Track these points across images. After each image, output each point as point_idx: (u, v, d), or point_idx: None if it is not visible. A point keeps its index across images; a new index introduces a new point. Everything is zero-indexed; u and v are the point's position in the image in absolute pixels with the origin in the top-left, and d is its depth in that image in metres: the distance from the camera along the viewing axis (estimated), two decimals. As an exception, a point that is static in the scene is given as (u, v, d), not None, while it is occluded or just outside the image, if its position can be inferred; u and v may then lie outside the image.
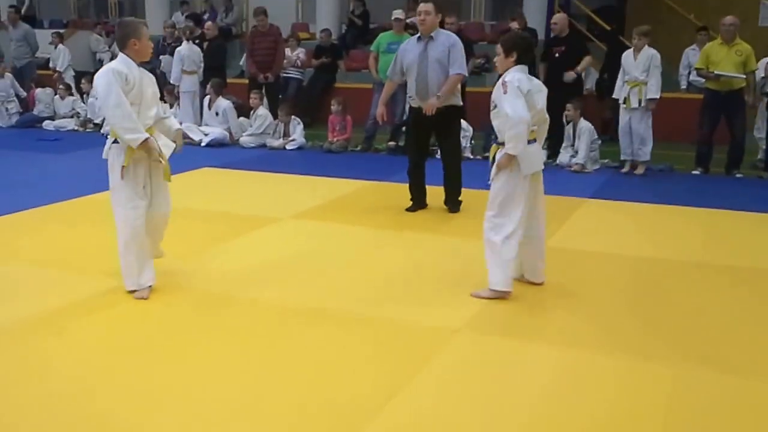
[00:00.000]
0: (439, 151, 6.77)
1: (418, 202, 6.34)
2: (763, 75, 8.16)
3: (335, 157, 9.25)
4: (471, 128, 9.05)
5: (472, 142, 9.13)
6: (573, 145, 8.40)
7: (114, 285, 4.25)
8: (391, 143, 9.46)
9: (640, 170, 8.07)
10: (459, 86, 6.06)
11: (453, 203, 6.29)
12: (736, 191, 7.35)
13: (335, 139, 9.56)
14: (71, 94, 11.82)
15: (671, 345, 3.60)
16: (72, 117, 11.60)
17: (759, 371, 3.33)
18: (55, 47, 12.76)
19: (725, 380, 3.23)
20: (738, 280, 4.60)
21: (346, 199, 6.85)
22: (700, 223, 6.02)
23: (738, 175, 8.02)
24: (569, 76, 8.52)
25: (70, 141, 10.49)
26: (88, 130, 11.31)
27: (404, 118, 9.43)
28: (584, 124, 8.31)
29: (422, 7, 5.94)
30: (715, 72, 7.83)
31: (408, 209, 6.30)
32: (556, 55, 8.78)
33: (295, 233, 5.67)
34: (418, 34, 6.08)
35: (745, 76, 7.78)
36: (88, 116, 11.48)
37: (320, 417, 2.88)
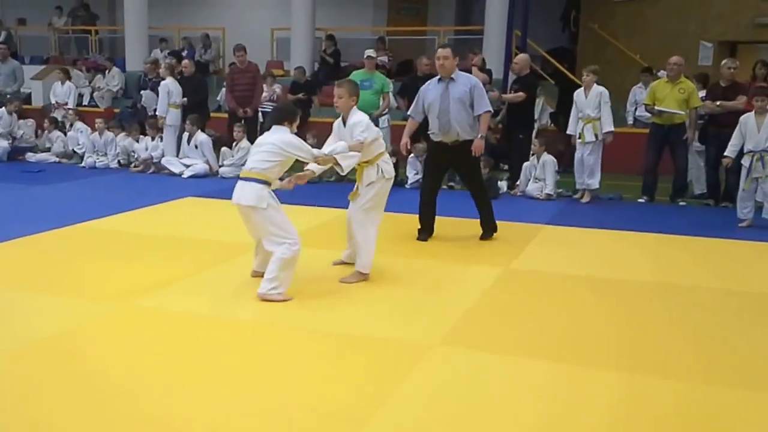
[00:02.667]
0: (465, 186, 7.06)
1: (429, 230, 6.59)
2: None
3: (310, 186, 9.37)
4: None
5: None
6: (539, 178, 8.80)
7: (110, 307, 4.43)
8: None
9: (586, 198, 8.49)
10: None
11: (487, 231, 6.55)
12: (680, 218, 7.77)
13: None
14: (57, 128, 11.87)
15: (629, 356, 3.91)
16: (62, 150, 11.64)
17: (701, 377, 3.63)
18: (62, 84, 12.73)
19: (670, 385, 3.53)
20: (681, 298, 4.93)
21: (325, 226, 7.09)
22: (648, 247, 6.39)
23: (682, 203, 8.45)
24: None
25: (53, 172, 10.57)
26: (72, 162, 11.38)
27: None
28: (547, 158, 8.73)
29: (441, 52, 6.36)
30: (657, 108, 8.30)
31: (419, 238, 6.54)
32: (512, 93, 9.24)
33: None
34: (439, 76, 6.41)
35: (684, 113, 8.25)
36: (70, 149, 11.54)
37: (306, 427, 3.05)
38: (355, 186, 5.32)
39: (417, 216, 6.60)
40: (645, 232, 6.89)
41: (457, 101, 6.24)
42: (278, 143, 4.76)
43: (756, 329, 4.34)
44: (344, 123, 5.24)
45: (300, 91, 12.01)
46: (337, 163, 4.99)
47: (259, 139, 4.99)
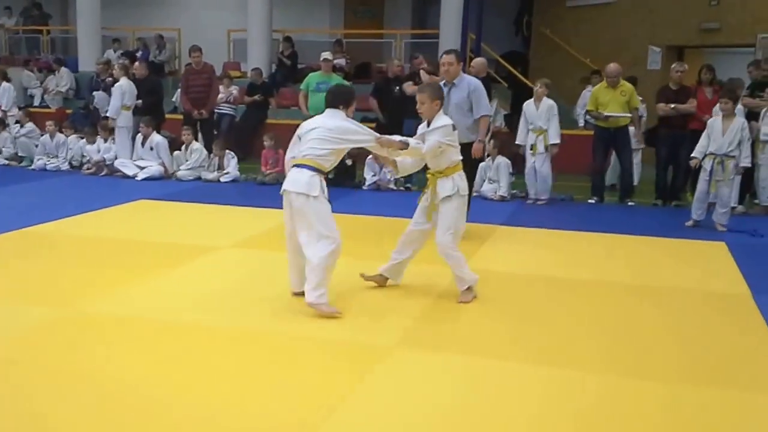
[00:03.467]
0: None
1: None
2: None
3: (269, 188, 9.38)
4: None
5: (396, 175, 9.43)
6: (493, 179, 8.85)
7: (57, 312, 4.31)
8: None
9: (542, 201, 8.59)
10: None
11: None
12: (629, 217, 7.91)
13: (268, 172, 9.73)
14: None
15: (584, 355, 3.94)
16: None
17: (654, 374, 3.69)
18: (-1, 84, 12.34)
19: (623, 382, 3.58)
20: (634, 295, 5.01)
21: (281, 229, 6.99)
22: (600, 247, 6.47)
23: (630, 203, 8.60)
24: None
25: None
26: (21, 165, 11.08)
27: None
28: (502, 160, 8.81)
29: (445, 58, 6.44)
30: (605, 114, 8.43)
31: None
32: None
33: (235, 261, 5.81)
34: (444, 81, 6.43)
35: (629, 115, 8.39)
36: (19, 152, 11.24)
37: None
38: (427, 198, 4.86)
39: (377, 218, 6.57)
40: (597, 232, 6.98)
41: (455, 106, 6.31)
42: (334, 130, 4.44)
43: (717, 327, 4.41)
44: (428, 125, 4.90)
45: (257, 93, 11.90)
46: (403, 147, 4.60)
47: (311, 122, 4.62)
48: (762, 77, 8.58)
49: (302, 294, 4.48)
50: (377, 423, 3.14)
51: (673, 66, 8.83)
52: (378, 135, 4.56)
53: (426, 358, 3.86)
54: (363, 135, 4.52)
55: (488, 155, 8.87)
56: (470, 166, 6.55)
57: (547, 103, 8.52)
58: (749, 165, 7.10)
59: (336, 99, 4.59)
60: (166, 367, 3.67)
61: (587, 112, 9.02)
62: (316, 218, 4.39)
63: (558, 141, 8.48)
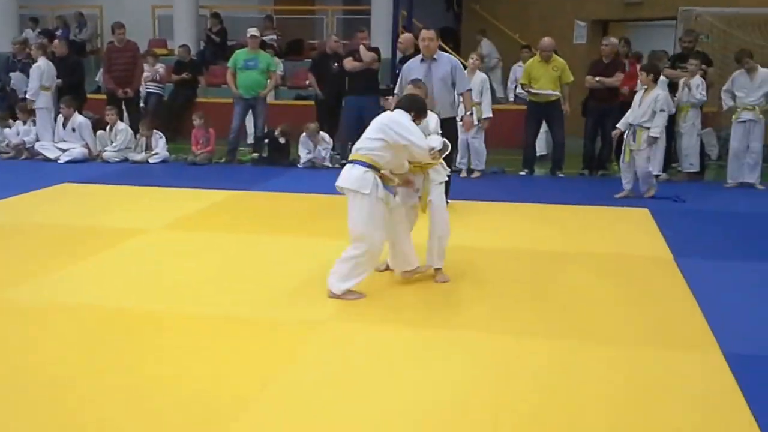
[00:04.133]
0: None
1: None
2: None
3: (200, 169, 9.23)
4: (332, 141, 9.37)
5: (333, 152, 9.42)
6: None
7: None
8: (255, 154, 9.58)
9: (476, 174, 8.68)
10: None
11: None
12: (559, 188, 8.08)
13: (199, 152, 9.53)
14: None
15: (513, 321, 4.02)
16: None
17: (590, 336, 3.79)
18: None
19: (562, 344, 3.67)
20: (564, 262, 5.12)
21: (213, 209, 6.92)
22: (532, 216, 6.59)
23: (560, 175, 8.79)
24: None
25: None
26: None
27: (265, 131, 9.62)
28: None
29: (426, 34, 6.52)
30: (533, 90, 8.58)
31: None
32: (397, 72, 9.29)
33: (165, 243, 5.69)
34: (421, 56, 6.54)
35: (557, 92, 8.53)
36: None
37: (196, 411, 2.96)
38: (416, 196, 4.68)
39: (314, 195, 6.54)
40: (529, 203, 7.11)
41: (440, 81, 6.39)
42: (386, 121, 4.27)
43: (644, 290, 4.52)
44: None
45: (184, 71, 11.61)
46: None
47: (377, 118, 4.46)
48: (684, 49, 8.84)
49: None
50: (308, 393, 3.14)
51: (602, 40, 9.05)
52: (434, 146, 4.34)
53: (361, 330, 3.88)
54: (417, 139, 4.25)
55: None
56: (453, 141, 6.65)
57: (480, 76, 8.58)
58: (657, 135, 7.28)
59: (411, 105, 4.44)
60: (98, 352, 3.58)
61: (521, 86, 9.11)
62: (361, 217, 4.24)
63: (490, 115, 8.57)
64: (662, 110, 7.26)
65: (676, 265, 5.00)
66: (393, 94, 6.84)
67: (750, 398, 3.05)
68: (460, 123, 7.17)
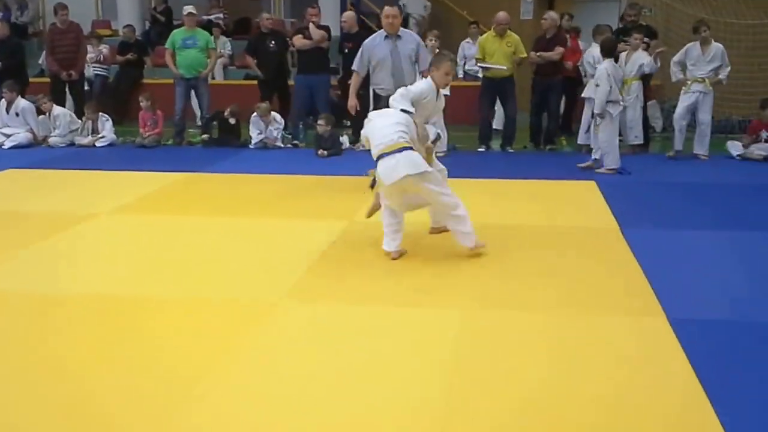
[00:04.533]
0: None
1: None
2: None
3: (149, 151, 9.05)
4: (283, 120, 9.28)
5: (284, 132, 9.33)
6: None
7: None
8: (205, 136, 9.43)
9: (440, 155, 8.71)
10: None
11: None
12: (509, 163, 8.17)
13: (147, 134, 9.34)
14: None
15: (461, 294, 4.07)
16: None
17: (538, 306, 3.86)
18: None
19: (511, 315, 3.73)
20: (515, 235, 5.16)
21: (164, 191, 6.80)
22: (483, 191, 6.60)
23: (510, 150, 8.87)
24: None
25: None
26: None
27: (212, 112, 9.46)
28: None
29: (389, 11, 6.49)
30: (484, 65, 8.62)
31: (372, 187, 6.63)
32: (346, 50, 9.28)
33: (116, 227, 5.58)
34: (384, 33, 6.50)
35: (508, 67, 8.57)
36: None
37: (144, 395, 2.92)
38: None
39: (267, 176, 6.49)
40: (480, 179, 7.16)
41: (407, 57, 6.45)
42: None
43: (591, 260, 4.59)
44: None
45: (130, 51, 11.36)
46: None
47: None
48: (628, 23, 8.97)
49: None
50: (257, 374, 3.13)
51: (543, 16, 9.12)
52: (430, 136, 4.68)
53: (314, 309, 3.86)
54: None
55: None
56: None
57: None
58: (598, 111, 7.41)
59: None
60: (45, 337, 3.51)
61: (476, 61, 9.12)
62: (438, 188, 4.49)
63: (447, 93, 8.54)
64: (597, 84, 7.36)
65: (622, 235, 5.11)
66: (355, 72, 6.73)
67: (693, 360, 3.15)
68: None
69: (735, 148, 8.30)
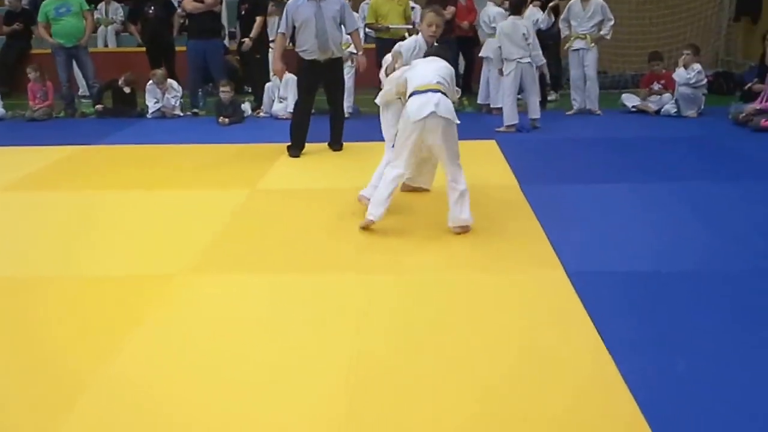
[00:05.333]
0: (329, 102, 6.77)
1: (301, 146, 6.55)
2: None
3: (40, 125, 8.52)
4: (181, 88, 8.89)
5: (182, 101, 8.96)
6: (283, 97, 8.61)
7: None
8: (99, 107, 8.94)
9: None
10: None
11: (338, 143, 6.73)
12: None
13: (37, 107, 8.78)
14: None
15: (360, 258, 4.01)
16: None
17: (470, 266, 3.85)
18: None
19: (397, 279, 3.70)
20: (420, 194, 5.15)
21: (56, 166, 6.41)
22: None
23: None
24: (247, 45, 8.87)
25: None
26: None
27: (95, 81, 8.97)
28: (289, 76, 8.47)
29: None
30: (386, 25, 8.45)
31: (291, 154, 6.47)
32: (243, 12, 9.03)
33: (7, 204, 5.23)
34: None
35: (410, 26, 8.50)
36: None
37: (39, 381, 2.76)
38: None
39: (167, 146, 6.20)
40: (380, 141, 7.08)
41: (332, 20, 6.25)
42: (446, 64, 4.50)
43: (495, 217, 4.58)
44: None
45: (15, 21, 10.64)
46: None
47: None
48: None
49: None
50: (170, 345, 3.02)
51: None
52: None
53: (217, 280, 3.74)
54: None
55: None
56: (340, 80, 6.65)
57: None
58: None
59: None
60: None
61: (366, 25, 8.97)
62: (455, 142, 4.35)
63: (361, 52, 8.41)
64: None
65: (521, 191, 5.17)
66: (279, 34, 6.41)
67: (591, 310, 3.21)
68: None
69: (630, 99, 8.53)
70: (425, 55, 4.63)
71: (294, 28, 6.29)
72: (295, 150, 6.53)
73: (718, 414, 2.45)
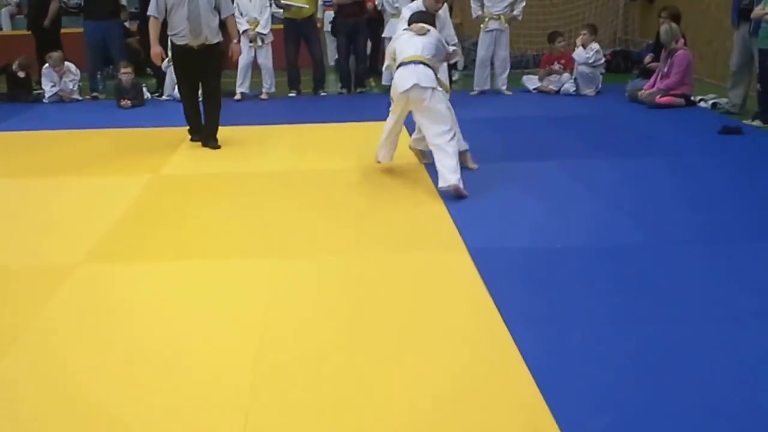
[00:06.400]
0: (203, 89, 6.33)
1: (199, 130, 6.30)
2: None
3: None
4: (79, 71, 8.51)
5: (80, 84, 8.58)
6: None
7: None
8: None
9: (264, 96, 8.46)
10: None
11: (214, 140, 6.22)
12: (322, 107, 8.08)
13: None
14: None
15: (268, 243, 3.97)
16: None
17: (376, 247, 3.85)
18: None
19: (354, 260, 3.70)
20: (331, 179, 5.13)
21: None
22: (293, 137, 6.51)
23: (323, 94, 8.77)
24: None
25: None
26: None
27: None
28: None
29: None
30: (283, 2, 8.31)
31: (193, 139, 6.32)
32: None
33: None
34: None
35: (307, 6, 8.39)
36: None
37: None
38: None
39: (67, 131, 5.94)
40: (290, 124, 7.03)
41: (206, 3, 5.95)
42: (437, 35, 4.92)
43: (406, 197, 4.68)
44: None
45: None
46: None
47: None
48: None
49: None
50: (68, 338, 2.93)
51: None
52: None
53: (115, 269, 3.64)
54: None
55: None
56: (215, 67, 6.24)
57: None
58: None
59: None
60: None
61: (275, 3, 8.79)
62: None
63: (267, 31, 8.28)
64: None
65: (427, 172, 5.21)
66: (152, 18, 6.08)
67: (491, 286, 3.29)
68: None
69: (531, 82, 8.74)
70: (409, 22, 4.94)
71: (167, 10, 5.98)
72: (195, 135, 6.35)
73: (609, 382, 2.55)
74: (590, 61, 8.21)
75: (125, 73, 7.97)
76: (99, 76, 8.78)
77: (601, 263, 3.59)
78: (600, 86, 8.34)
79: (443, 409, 2.42)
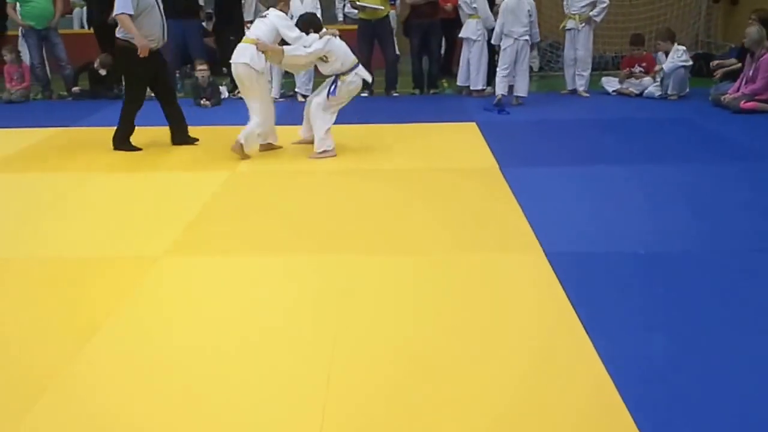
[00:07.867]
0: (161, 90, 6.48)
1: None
2: None
3: (17, 107, 8.42)
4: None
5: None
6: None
7: None
8: (76, 89, 8.82)
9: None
10: None
11: (187, 137, 6.42)
12: (395, 107, 8.10)
13: (14, 89, 8.65)
14: None
15: (344, 240, 4.00)
16: None
17: (452, 249, 3.85)
18: None
19: (401, 260, 3.71)
20: (399, 178, 5.14)
21: (35, 148, 6.36)
22: (363, 137, 6.53)
23: (395, 94, 8.80)
24: None
25: None
26: None
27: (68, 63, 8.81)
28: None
29: None
30: (359, 3, 8.38)
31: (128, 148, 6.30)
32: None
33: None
34: None
35: (383, 8, 8.43)
36: None
37: (19, 364, 2.76)
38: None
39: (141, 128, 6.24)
40: (364, 124, 7.07)
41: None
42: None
43: (475, 199, 4.64)
44: None
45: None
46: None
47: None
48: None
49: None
50: (143, 333, 2.99)
51: None
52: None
53: (197, 262, 3.72)
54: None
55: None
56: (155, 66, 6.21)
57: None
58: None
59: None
60: None
61: (350, 3, 8.88)
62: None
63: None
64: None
65: (501, 174, 5.17)
66: (126, 15, 5.93)
67: (569, 291, 3.23)
68: None
69: (610, 84, 8.56)
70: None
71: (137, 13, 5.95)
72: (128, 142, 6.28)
73: (694, 395, 2.47)
74: (682, 60, 7.97)
75: (201, 70, 8.17)
76: (177, 74, 9.03)
77: (689, 270, 3.47)
78: (687, 89, 8.10)
79: (521, 419, 2.39)
